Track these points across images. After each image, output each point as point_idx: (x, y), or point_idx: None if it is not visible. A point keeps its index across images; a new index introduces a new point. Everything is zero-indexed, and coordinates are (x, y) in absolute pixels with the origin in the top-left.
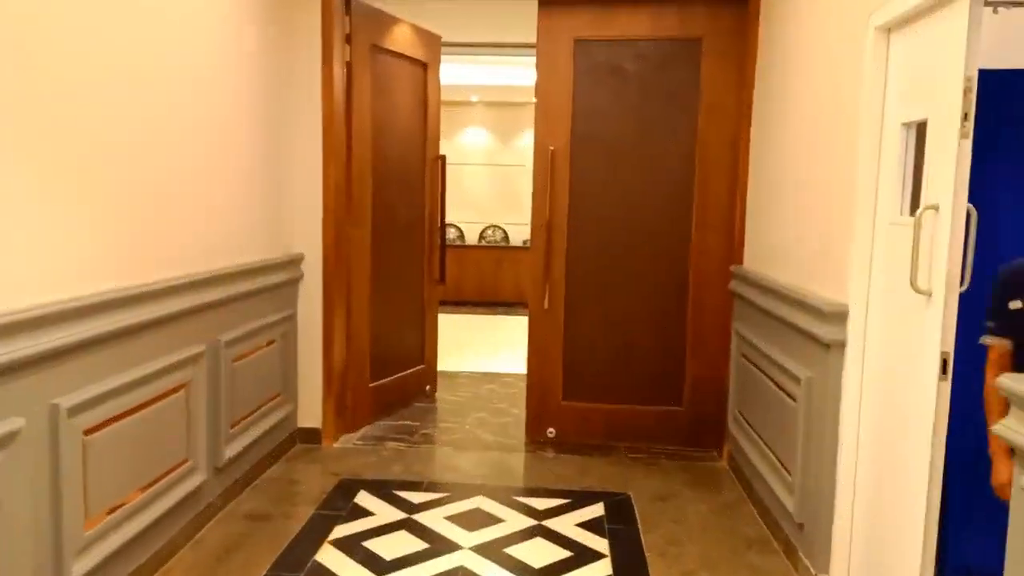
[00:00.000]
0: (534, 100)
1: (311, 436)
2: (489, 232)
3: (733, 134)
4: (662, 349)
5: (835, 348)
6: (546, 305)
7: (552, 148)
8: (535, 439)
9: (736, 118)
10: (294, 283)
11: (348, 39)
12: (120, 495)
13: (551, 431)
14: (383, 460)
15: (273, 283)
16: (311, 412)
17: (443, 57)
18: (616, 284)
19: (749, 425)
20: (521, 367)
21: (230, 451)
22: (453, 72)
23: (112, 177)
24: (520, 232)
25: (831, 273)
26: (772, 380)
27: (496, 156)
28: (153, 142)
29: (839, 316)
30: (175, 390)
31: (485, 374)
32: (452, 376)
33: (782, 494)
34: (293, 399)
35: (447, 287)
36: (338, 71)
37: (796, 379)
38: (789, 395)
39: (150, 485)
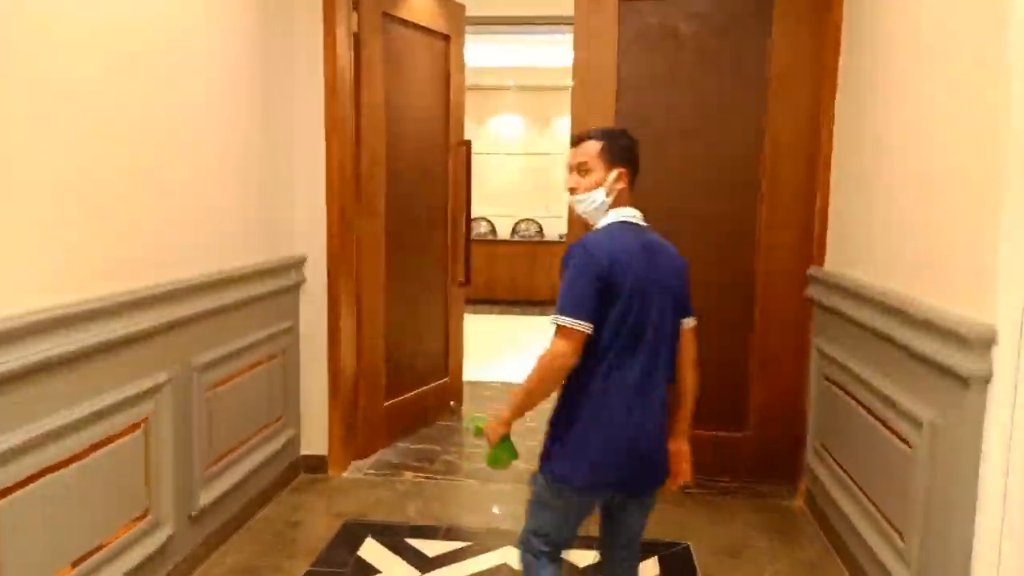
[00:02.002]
0: (571, 82)
1: (317, 465)
2: (523, 226)
3: (811, 110)
4: (723, 364)
5: (975, 383)
6: None
7: None
8: None
9: (815, 91)
10: (294, 289)
11: (355, 5)
12: (50, 572)
13: None
14: (397, 496)
15: (267, 291)
16: (316, 437)
17: (471, 38)
18: None
19: (838, 464)
20: None
21: (208, 495)
22: (482, 54)
23: (43, 167)
24: (556, 226)
25: (962, 283)
26: (874, 414)
27: (531, 144)
28: (99, 123)
29: (984, 342)
30: (127, 431)
31: (516, 385)
32: (479, 387)
33: (890, 561)
34: (296, 423)
35: (476, 285)
36: (343, 42)
37: (915, 420)
38: (902, 438)
39: (95, 551)
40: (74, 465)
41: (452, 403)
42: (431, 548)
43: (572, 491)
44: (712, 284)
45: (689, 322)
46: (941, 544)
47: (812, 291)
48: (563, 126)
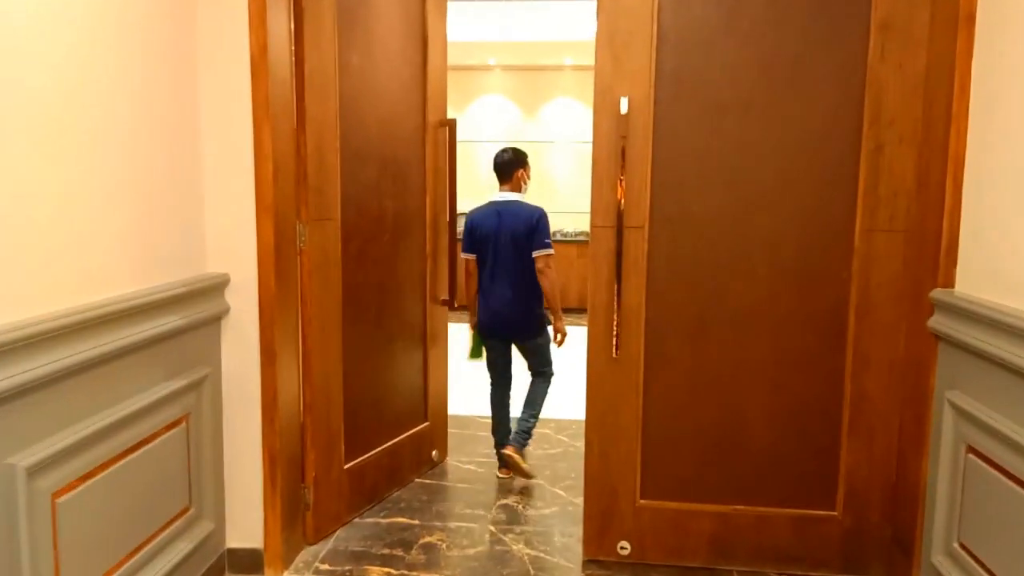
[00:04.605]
0: (566, 61)
1: (250, 563)
2: None
3: (934, 71)
4: (801, 422)
5: None
6: (615, 352)
7: (625, 99)
8: (597, 558)
9: (940, 45)
10: (212, 323)
11: None
12: None
13: (624, 546)
14: None
15: (165, 330)
16: (248, 525)
17: (450, 4)
18: (725, 318)
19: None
20: (567, 409)
21: None
22: (463, 28)
23: None
24: (556, 222)
25: None
26: None
27: (520, 131)
28: None
29: None
30: None
31: (516, 420)
32: (468, 424)
33: None
34: (216, 511)
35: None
36: None
37: None
38: None
39: None
40: None
41: (434, 453)
42: None
43: (481, 334)
44: (789, 314)
45: (536, 252)
46: None
47: (939, 322)
48: (555, 109)
